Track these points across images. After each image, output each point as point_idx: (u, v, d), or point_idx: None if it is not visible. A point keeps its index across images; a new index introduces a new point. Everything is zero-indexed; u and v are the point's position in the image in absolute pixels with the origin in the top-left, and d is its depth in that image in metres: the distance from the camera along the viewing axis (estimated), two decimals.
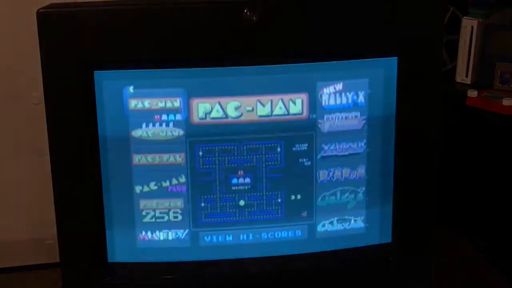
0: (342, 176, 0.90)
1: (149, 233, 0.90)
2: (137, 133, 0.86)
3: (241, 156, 0.88)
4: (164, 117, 0.86)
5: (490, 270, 1.17)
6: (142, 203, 0.89)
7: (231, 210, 0.90)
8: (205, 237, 0.90)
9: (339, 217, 0.92)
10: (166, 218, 0.89)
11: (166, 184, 0.88)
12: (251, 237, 0.91)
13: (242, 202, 0.89)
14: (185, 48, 0.83)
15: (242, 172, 0.88)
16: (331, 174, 0.90)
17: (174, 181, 0.88)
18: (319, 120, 0.88)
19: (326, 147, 0.89)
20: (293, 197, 0.90)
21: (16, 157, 1.13)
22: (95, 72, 0.83)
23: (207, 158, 0.87)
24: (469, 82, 1.23)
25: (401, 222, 0.92)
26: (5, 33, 1.07)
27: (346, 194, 0.91)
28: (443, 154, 0.95)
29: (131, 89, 0.84)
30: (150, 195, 0.88)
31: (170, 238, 0.90)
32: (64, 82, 0.83)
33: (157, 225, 0.89)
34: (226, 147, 0.87)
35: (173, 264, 0.91)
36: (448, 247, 1.21)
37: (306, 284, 0.92)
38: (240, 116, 0.86)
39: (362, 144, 0.90)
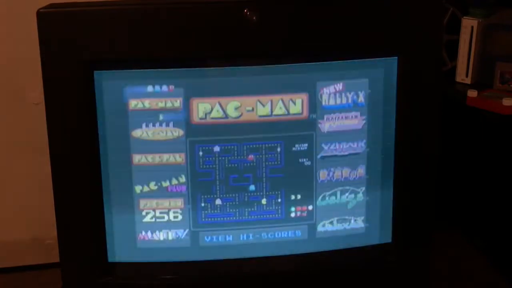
0: (342, 176, 0.90)
1: (149, 233, 0.90)
2: (137, 133, 0.86)
3: (241, 156, 0.88)
4: (164, 117, 0.86)
5: (490, 270, 1.17)
6: (142, 203, 0.89)
7: (231, 210, 0.90)
8: (205, 237, 0.90)
9: (339, 217, 0.92)
10: (166, 218, 0.89)
11: (166, 184, 0.88)
12: (251, 237, 0.91)
13: (242, 202, 0.89)
14: (185, 48, 0.83)
15: (242, 172, 0.88)
16: (331, 174, 0.90)
17: (174, 181, 0.88)
18: (319, 120, 0.88)
19: (326, 147, 0.89)
20: (293, 197, 0.90)
21: (16, 157, 1.13)
22: (95, 72, 0.83)
23: (207, 158, 0.87)
24: (469, 82, 1.23)
25: (401, 222, 0.92)
26: (5, 33, 1.07)
27: (346, 194, 0.91)
28: (443, 153, 0.95)
29: (131, 89, 0.85)
30: (150, 195, 0.88)
31: (170, 238, 0.90)
32: (64, 82, 0.83)
33: (157, 225, 0.89)
34: (226, 147, 0.87)
35: (173, 264, 0.91)
36: (448, 246, 1.21)
37: (306, 284, 0.92)
38: (240, 116, 0.86)
39: (362, 144, 0.90)
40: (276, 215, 0.90)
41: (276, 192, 0.90)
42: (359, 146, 0.90)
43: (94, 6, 0.83)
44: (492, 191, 1.23)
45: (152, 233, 0.90)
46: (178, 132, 0.86)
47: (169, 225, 0.89)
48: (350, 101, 0.88)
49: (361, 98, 0.88)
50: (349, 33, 0.85)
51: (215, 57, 0.85)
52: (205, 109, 0.86)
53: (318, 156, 0.89)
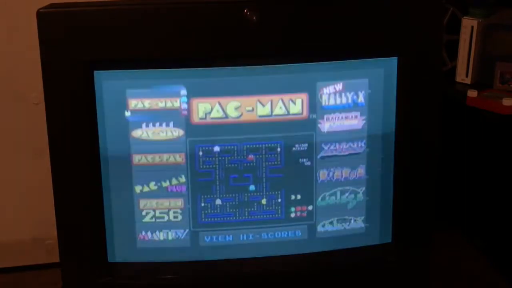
0: (342, 176, 0.90)
1: (149, 233, 0.90)
2: (137, 133, 0.86)
3: (241, 156, 0.88)
4: (164, 117, 0.86)
5: (490, 270, 1.17)
6: (142, 203, 0.89)
7: (231, 210, 0.90)
8: (205, 237, 0.90)
9: (339, 217, 0.92)
10: (166, 218, 0.89)
11: (166, 184, 0.88)
12: (251, 237, 0.91)
13: (242, 202, 0.89)
14: (185, 48, 0.83)
15: (242, 172, 0.88)
16: (331, 174, 0.90)
17: (174, 181, 0.88)
18: (319, 120, 0.88)
19: (326, 147, 0.89)
20: (293, 197, 0.90)
21: (16, 157, 1.13)
22: (95, 72, 0.83)
23: (207, 158, 0.87)
24: (469, 82, 1.23)
25: (401, 222, 0.92)
26: (5, 33, 1.07)
27: (346, 194, 0.91)
28: (443, 154, 0.95)
29: (131, 89, 0.85)
30: (150, 195, 0.88)
31: (170, 238, 0.90)
32: (64, 82, 0.83)
33: (157, 225, 0.89)
34: (226, 147, 0.87)
35: (173, 264, 0.91)
36: (448, 246, 1.21)
37: (306, 284, 0.92)
38: (240, 116, 0.86)
39: (362, 144, 0.90)
40: (276, 215, 0.90)
41: (276, 192, 0.90)
42: (359, 146, 0.90)
43: (94, 6, 0.83)
44: (492, 191, 1.23)
45: (152, 233, 0.90)
46: (178, 132, 0.86)
47: (169, 225, 0.89)
48: (350, 101, 0.88)
49: (361, 98, 0.88)
50: (349, 33, 0.85)
51: (215, 57, 0.85)
52: (205, 109, 0.86)
53: (318, 156, 0.89)
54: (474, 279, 1.14)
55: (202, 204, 0.89)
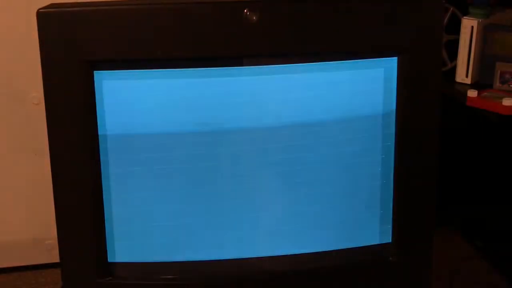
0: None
1: (148, 233, 0.90)
2: (137, 133, 0.86)
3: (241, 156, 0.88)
4: (164, 116, 0.86)
5: (490, 270, 1.17)
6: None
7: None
8: (206, 237, 0.90)
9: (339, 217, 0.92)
10: (165, 218, 0.89)
11: (165, 183, 0.88)
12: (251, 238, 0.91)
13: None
14: (185, 48, 0.83)
15: (241, 172, 0.88)
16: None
17: (174, 181, 0.88)
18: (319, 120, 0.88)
19: (326, 147, 0.89)
20: (293, 197, 0.90)
21: (16, 157, 1.13)
22: (95, 72, 0.83)
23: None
24: (469, 82, 1.23)
25: (401, 222, 0.92)
26: (5, 33, 1.07)
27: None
28: (443, 154, 0.95)
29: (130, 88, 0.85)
30: (150, 194, 0.88)
31: (170, 238, 0.90)
32: (64, 82, 0.83)
33: (157, 224, 0.89)
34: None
35: (173, 264, 0.91)
36: (448, 247, 1.21)
37: (306, 284, 0.92)
38: None
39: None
40: (277, 216, 0.90)
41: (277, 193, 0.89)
42: (360, 145, 0.90)
43: (94, 6, 0.83)
44: (492, 191, 1.24)
45: (151, 233, 0.90)
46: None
47: (169, 224, 0.89)
48: (350, 101, 0.88)
49: (361, 98, 0.88)
50: (349, 33, 0.85)
51: (215, 57, 0.85)
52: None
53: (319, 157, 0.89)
54: (474, 279, 1.14)
55: (202, 204, 0.89)
